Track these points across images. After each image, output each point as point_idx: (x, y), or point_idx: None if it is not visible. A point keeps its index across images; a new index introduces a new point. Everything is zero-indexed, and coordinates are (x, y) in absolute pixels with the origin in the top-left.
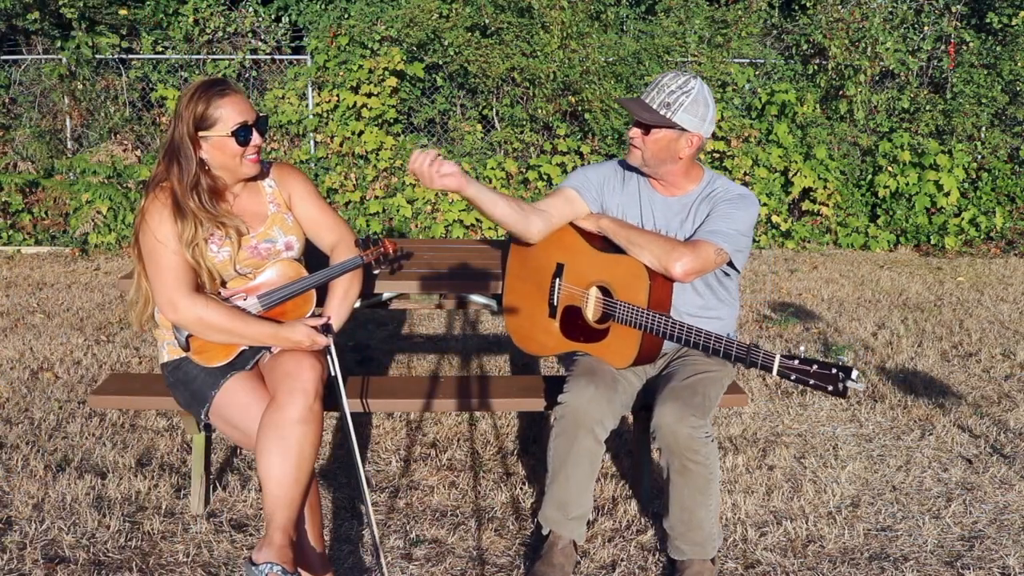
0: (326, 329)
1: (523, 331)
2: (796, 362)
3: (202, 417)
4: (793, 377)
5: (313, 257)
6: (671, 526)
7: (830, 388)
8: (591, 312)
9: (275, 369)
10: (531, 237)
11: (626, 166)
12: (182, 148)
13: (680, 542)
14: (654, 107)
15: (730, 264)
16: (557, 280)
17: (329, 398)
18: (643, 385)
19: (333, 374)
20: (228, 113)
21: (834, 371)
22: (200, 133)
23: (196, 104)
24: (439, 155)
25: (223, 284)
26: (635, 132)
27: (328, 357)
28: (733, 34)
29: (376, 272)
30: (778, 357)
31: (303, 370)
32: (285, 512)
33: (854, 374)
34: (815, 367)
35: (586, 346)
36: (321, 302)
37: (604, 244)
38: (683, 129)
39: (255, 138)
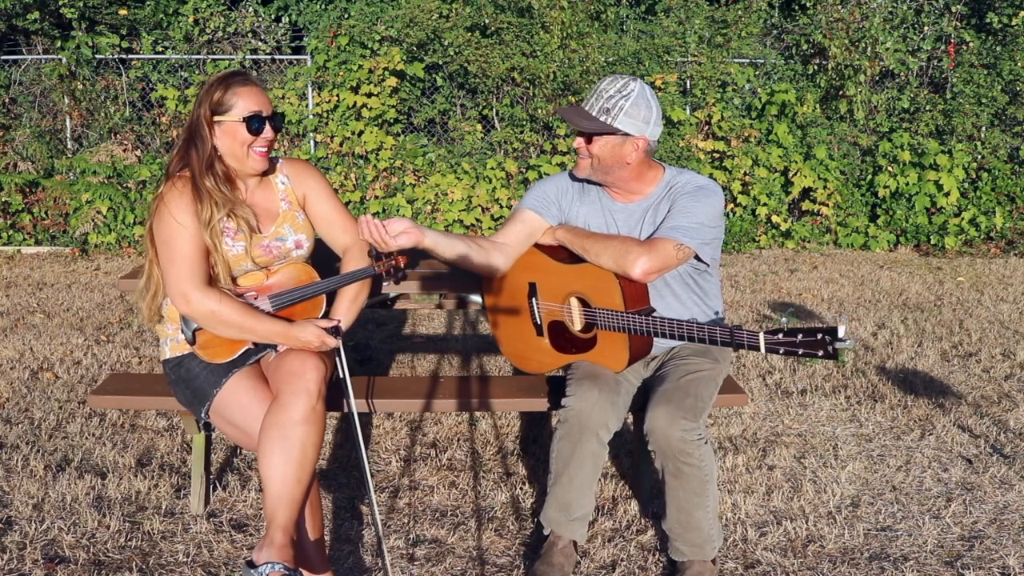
0: (335, 331)
1: (519, 354)
2: (781, 335)
3: (202, 416)
4: (782, 350)
5: (322, 259)
6: (669, 528)
7: (820, 353)
8: (575, 323)
9: (279, 368)
10: (495, 273)
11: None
12: (199, 130)
13: (679, 543)
14: (593, 114)
15: (698, 259)
16: (533, 300)
17: (330, 398)
18: (640, 385)
19: (342, 376)
20: (244, 101)
21: (820, 336)
22: (215, 117)
23: (215, 90)
24: (375, 217)
25: (234, 281)
26: (579, 142)
27: (337, 359)
28: (733, 34)
29: (385, 283)
30: (762, 335)
31: (307, 370)
32: (286, 512)
33: (841, 332)
34: (800, 336)
35: (580, 356)
36: (329, 303)
37: (568, 256)
38: (626, 134)
39: (267, 131)
